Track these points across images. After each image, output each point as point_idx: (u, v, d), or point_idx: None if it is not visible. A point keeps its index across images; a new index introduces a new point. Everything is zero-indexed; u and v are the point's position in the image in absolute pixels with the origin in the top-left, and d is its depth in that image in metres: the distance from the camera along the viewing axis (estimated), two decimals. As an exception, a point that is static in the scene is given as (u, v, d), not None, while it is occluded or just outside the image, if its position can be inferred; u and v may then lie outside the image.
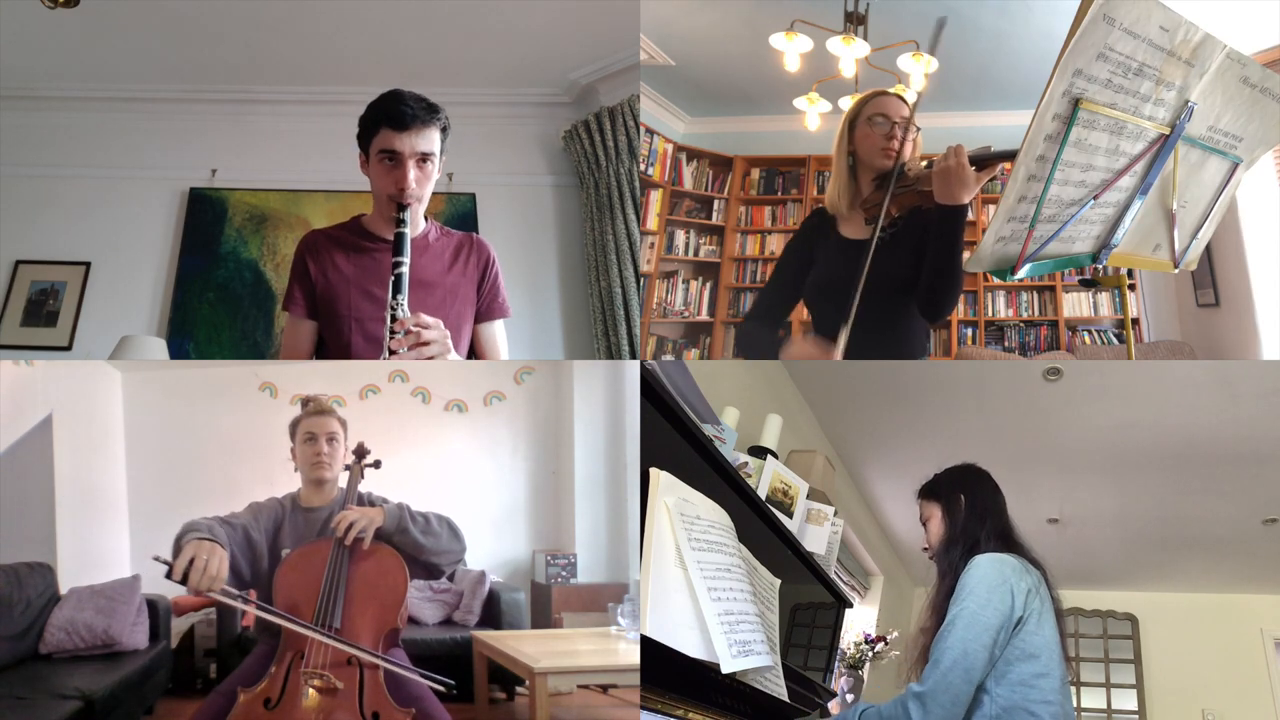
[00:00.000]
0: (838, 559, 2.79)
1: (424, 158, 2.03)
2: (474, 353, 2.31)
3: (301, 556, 2.03)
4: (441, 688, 1.95)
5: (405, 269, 1.92)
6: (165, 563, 1.77)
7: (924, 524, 2.10)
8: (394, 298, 1.89)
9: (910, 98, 4.24)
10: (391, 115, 2.00)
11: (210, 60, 4.72)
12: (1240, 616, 5.72)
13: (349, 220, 2.26)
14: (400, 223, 1.98)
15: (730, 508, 1.61)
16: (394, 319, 1.86)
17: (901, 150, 2.15)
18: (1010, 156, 1.85)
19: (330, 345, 2.16)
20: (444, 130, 2.08)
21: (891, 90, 2.33)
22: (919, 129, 2.20)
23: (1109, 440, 3.68)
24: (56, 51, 4.57)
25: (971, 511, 1.98)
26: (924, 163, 2.09)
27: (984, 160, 1.94)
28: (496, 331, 2.25)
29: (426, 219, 2.24)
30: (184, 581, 1.75)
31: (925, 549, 2.09)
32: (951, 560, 1.93)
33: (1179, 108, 1.63)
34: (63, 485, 4.03)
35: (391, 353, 1.85)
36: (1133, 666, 5.85)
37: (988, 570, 1.81)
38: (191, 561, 1.76)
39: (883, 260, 2.02)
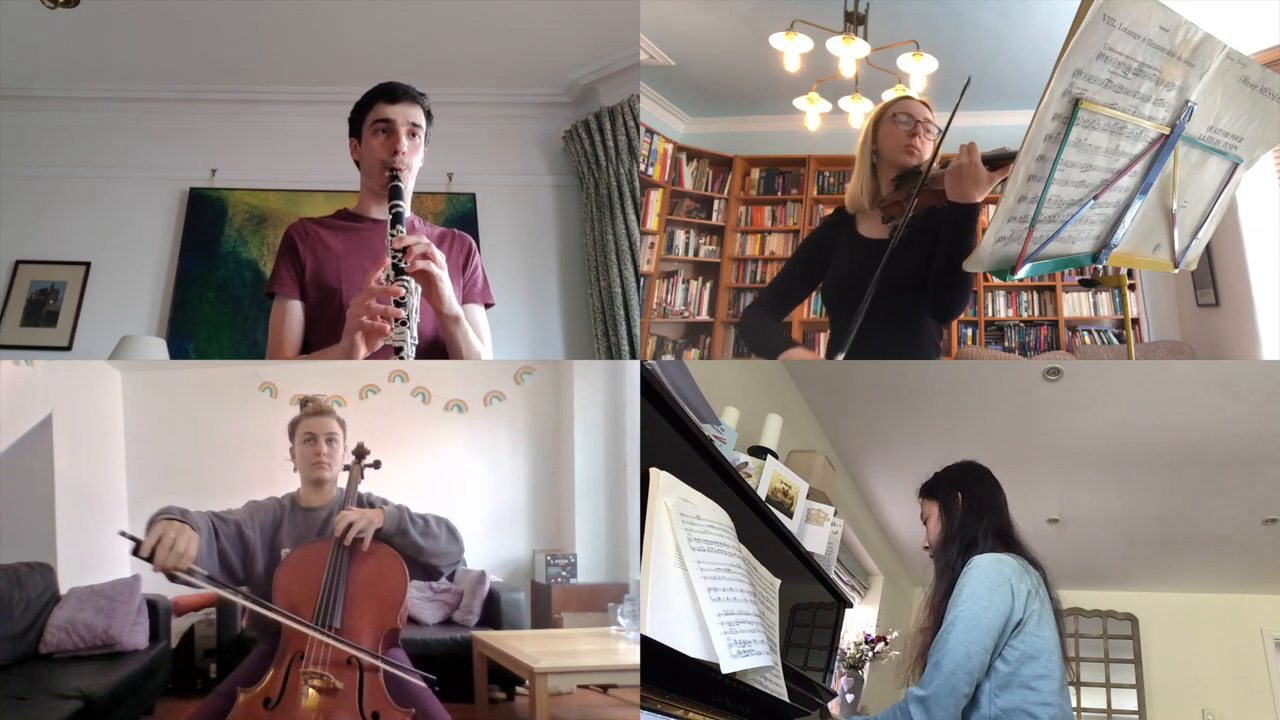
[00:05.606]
0: (838, 559, 2.79)
1: (414, 130, 2.13)
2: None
3: (301, 557, 2.03)
4: (422, 683, 1.95)
5: (402, 209, 1.98)
6: (133, 539, 1.77)
7: (924, 522, 2.10)
8: (393, 228, 1.92)
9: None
10: (384, 90, 2.15)
11: (210, 60, 4.72)
12: (1240, 616, 5.72)
13: (335, 211, 2.29)
14: (394, 178, 2.02)
15: (730, 508, 1.61)
16: (394, 239, 1.91)
17: (924, 148, 2.17)
18: None
19: (319, 324, 2.12)
20: (428, 115, 2.18)
21: (916, 95, 2.40)
22: (942, 132, 2.21)
23: (1109, 440, 3.68)
24: (56, 51, 4.57)
25: (969, 509, 1.98)
26: (939, 163, 2.10)
27: (998, 160, 1.95)
28: (478, 315, 2.24)
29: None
30: (151, 559, 1.75)
31: (926, 547, 2.09)
32: (949, 558, 1.93)
33: (1179, 108, 1.63)
34: (62, 485, 4.02)
35: (395, 270, 1.85)
36: (1133, 666, 5.85)
37: (988, 571, 1.81)
38: (159, 540, 1.76)
39: (900, 259, 2.02)
